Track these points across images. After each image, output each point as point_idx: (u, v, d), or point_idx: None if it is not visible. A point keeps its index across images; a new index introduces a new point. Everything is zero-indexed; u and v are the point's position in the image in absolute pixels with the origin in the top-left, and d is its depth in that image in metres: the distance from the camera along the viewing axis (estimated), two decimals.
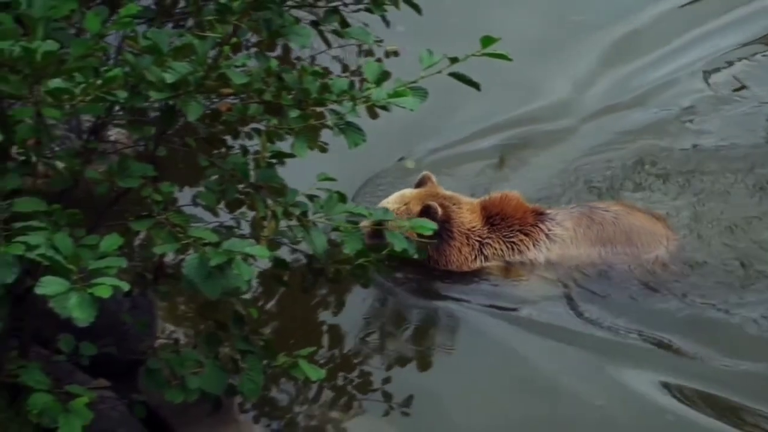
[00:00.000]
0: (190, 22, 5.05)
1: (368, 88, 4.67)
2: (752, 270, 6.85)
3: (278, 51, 8.01)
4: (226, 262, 4.27)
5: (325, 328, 6.46)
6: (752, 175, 7.54)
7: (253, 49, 4.89)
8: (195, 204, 5.05)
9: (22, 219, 4.23)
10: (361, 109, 4.66)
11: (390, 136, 6.97)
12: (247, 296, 6.07)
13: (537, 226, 6.95)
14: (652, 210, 7.19)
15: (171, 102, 4.50)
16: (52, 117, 4.23)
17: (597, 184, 7.54)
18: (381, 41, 7.89)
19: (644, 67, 8.74)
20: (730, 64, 8.78)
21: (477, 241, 6.90)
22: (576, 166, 7.69)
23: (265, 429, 5.77)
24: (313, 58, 8.17)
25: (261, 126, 4.81)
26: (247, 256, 4.30)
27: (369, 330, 6.50)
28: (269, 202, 4.83)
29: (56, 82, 4.13)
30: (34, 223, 4.19)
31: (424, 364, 6.34)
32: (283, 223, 4.86)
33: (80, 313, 3.90)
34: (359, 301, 6.59)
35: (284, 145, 4.80)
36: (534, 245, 6.92)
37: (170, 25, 5.49)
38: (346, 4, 5.94)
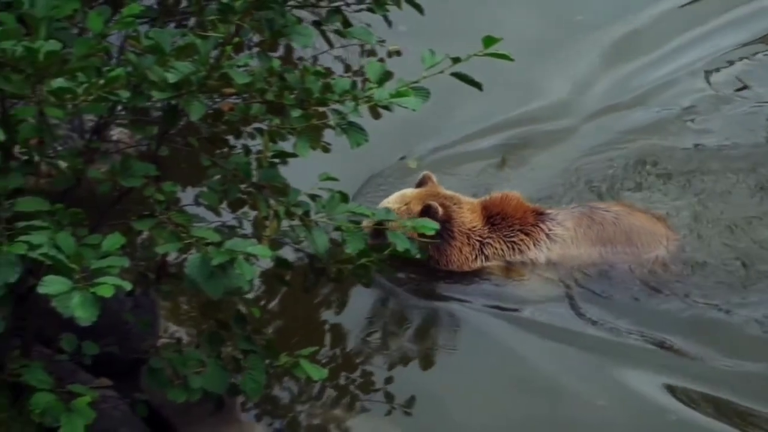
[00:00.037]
0: (193, 22, 5.05)
1: (370, 88, 4.66)
2: (754, 270, 6.85)
3: (280, 51, 8.01)
4: (229, 262, 4.27)
5: (326, 327, 6.47)
6: (754, 174, 7.54)
7: (256, 49, 4.90)
8: (197, 203, 5.05)
9: (24, 218, 4.23)
10: (364, 109, 4.67)
11: (391, 135, 6.98)
12: (249, 296, 6.11)
13: (537, 225, 6.95)
14: (652, 210, 7.20)
15: (173, 102, 4.50)
16: (55, 116, 4.23)
17: (598, 183, 7.54)
18: (383, 41, 7.88)
19: (645, 66, 8.74)
20: (731, 63, 8.78)
21: (478, 240, 6.90)
22: (577, 165, 7.69)
23: (267, 428, 5.77)
24: (315, 58, 8.17)
25: (263, 126, 4.81)
26: (249, 256, 4.30)
27: (370, 330, 6.50)
28: (271, 201, 4.83)
29: (59, 82, 4.13)
30: (37, 222, 4.19)
31: (426, 364, 6.35)
32: (285, 223, 4.86)
33: (83, 313, 3.90)
34: (361, 300, 6.59)
35: (287, 145, 4.80)
36: (534, 245, 6.92)
37: (172, 24, 5.48)
38: (348, 4, 5.93)
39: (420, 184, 7.02)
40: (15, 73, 4.12)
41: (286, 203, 4.83)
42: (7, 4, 4.23)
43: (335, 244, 5.09)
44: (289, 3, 4.94)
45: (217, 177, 4.88)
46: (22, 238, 4.08)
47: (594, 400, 6.12)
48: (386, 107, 4.66)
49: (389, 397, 6.00)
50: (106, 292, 3.91)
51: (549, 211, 7.05)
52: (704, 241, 7.05)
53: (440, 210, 6.73)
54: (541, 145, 7.97)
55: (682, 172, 7.62)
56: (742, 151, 7.79)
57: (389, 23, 6.08)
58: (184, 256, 4.59)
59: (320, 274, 5.31)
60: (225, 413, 5.31)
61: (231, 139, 5.11)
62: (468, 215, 6.92)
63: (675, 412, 6.04)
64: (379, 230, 5.13)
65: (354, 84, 4.68)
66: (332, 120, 4.67)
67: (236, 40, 4.46)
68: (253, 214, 6.05)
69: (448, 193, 6.99)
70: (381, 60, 8.13)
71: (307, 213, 4.87)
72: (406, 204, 6.81)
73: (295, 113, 4.67)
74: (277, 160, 4.89)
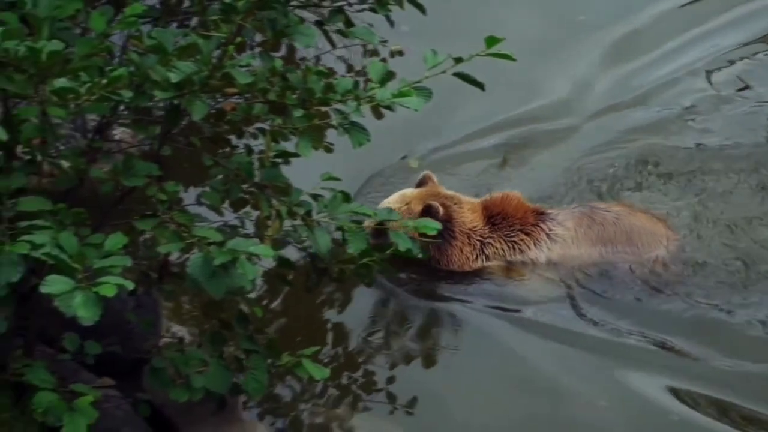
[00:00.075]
0: (195, 22, 5.04)
1: (372, 88, 4.66)
2: (755, 270, 6.85)
3: (283, 51, 8.01)
4: (231, 262, 4.26)
5: (328, 327, 6.47)
6: (755, 174, 7.54)
7: (258, 49, 4.87)
8: (199, 203, 5.05)
9: (27, 218, 4.22)
10: (366, 108, 4.67)
11: (393, 135, 6.98)
12: (251, 295, 6.11)
13: (538, 225, 6.96)
14: (652, 210, 7.20)
15: (176, 101, 4.50)
16: (57, 116, 4.23)
17: (599, 183, 7.54)
18: (385, 41, 7.90)
19: (646, 66, 8.75)
20: (732, 63, 8.79)
21: (478, 240, 6.91)
22: (578, 165, 7.70)
23: (270, 428, 5.78)
24: (317, 57, 8.18)
25: (265, 125, 4.81)
26: (251, 256, 4.29)
27: (372, 329, 6.51)
28: (274, 201, 4.82)
29: (61, 82, 4.12)
30: (39, 222, 4.18)
31: (427, 364, 6.35)
32: (287, 223, 4.86)
33: (85, 312, 3.90)
34: (363, 300, 6.59)
35: (289, 145, 4.80)
36: (535, 245, 6.93)
37: (175, 24, 5.48)
38: (350, 4, 5.92)
39: (420, 183, 7.02)
40: (18, 73, 4.12)
41: (289, 203, 4.83)
42: (10, 4, 4.23)
43: (337, 244, 5.09)
44: (292, 3, 4.95)
45: (220, 177, 4.87)
46: (25, 237, 4.08)
47: (595, 401, 6.13)
48: (388, 107, 4.66)
49: (391, 397, 6.01)
50: (109, 291, 3.91)
51: (549, 211, 7.05)
52: (705, 242, 7.05)
53: (441, 210, 6.73)
54: (543, 144, 7.98)
55: (683, 172, 7.62)
56: (743, 150, 7.79)
57: (391, 23, 6.08)
58: (187, 255, 4.58)
59: (322, 274, 5.30)
60: (227, 413, 5.30)
61: (233, 138, 5.12)
62: (469, 215, 6.92)
63: (676, 413, 6.05)
64: (381, 230, 5.13)
65: (356, 84, 4.68)
66: (334, 120, 4.67)
67: (239, 39, 4.46)
68: (255, 213, 6.00)
69: (449, 192, 6.99)
70: (383, 60, 8.13)
71: (309, 213, 4.87)
72: (406, 204, 6.81)
73: (298, 113, 4.67)
74: (279, 160, 4.89)
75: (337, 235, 4.98)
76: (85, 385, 4.71)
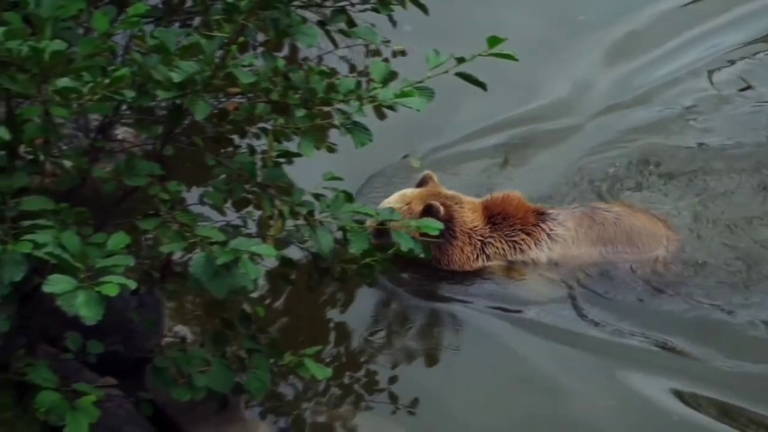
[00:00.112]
0: (198, 22, 5.05)
1: (375, 88, 4.67)
2: (756, 271, 6.85)
3: (285, 51, 8.00)
4: (233, 261, 4.27)
5: (331, 326, 6.47)
6: (757, 174, 7.53)
7: (260, 49, 4.90)
8: (202, 203, 5.06)
9: (29, 217, 4.23)
10: (368, 108, 4.67)
11: (394, 134, 6.97)
12: (253, 295, 6.08)
13: (539, 225, 6.96)
14: (653, 210, 7.20)
15: (178, 101, 4.50)
16: (60, 116, 4.23)
17: (600, 183, 7.54)
18: (388, 41, 7.91)
19: (646, 66, 8.74)
20: (733, 63, 8.78)
21: (479, 240, 6.91)
22: (579, 165, 7.69)
23: (272, 427, 5.77)
24: (320, 57, 8.17)
25: (268, 125, 4.81)
26: (253, 255, 4.30)
27: (374, 329, 6.50)
28: (276, 201, 4.83)
29: (64, 81, 4.13)
30: (42, 221, 4.19)
31: (429, 364, 6.35)
32: (289, 223, 4.86)
33: (87, 312, 3.91)
34: (365, 300, 6.59)
35: (291, 145, 4.80)
36: (536, 245, 6.93)
37: (177, 24, 5.48)
38: (353, 4, 5.93)
39: (421, 183, 7.02)
40: (20, 73, 4.13)
41: (291, 203, 4.84)
42: (12, 4, 4.24)
43: (339, 244, 5.10)
44: (294, 3, 4.94)
45: (222, 176, 4.88)
46: (27, 237, 4.09)
47: (596, 401, 6.13)
48: (391, 107, 4.66)
49: (393, 397, 6.01)
50: (111, 291, 3.92)
51: (550, 210, 7.05)
52: (706, 242, 7.05)
53: (442, 209, 6.73)
54: (543, 144, 7.97)
55: (683, 172, 7.61)
56: (744, 150, 7.78)
57: (394, 23, 6.08)
58: (189, 255, 4.58)
59: (324, 274, 5.31)
60: (229, 412, 5.30)
61: (236, 138, 5.11)
62: (469, 215, 6.92)
63: (677, 414, 6.05)
64: (383, 230, 5.13)
65: (358, 84, 4.68)
66: (337, 120, 4.68)
67: (241, 39, 4.46)
68: (257, 213, 6.02)
69: (449, 192, 6.99)
70: (385, 60, 8.13)
71: (311, 212, 4.87)
72: (407, 204, 6.81)
73: (300, 113, 4.68)
74: (281, 160, 4.90)
75: (340, 234, 4.99)
76: (88, 385, 4.73)
